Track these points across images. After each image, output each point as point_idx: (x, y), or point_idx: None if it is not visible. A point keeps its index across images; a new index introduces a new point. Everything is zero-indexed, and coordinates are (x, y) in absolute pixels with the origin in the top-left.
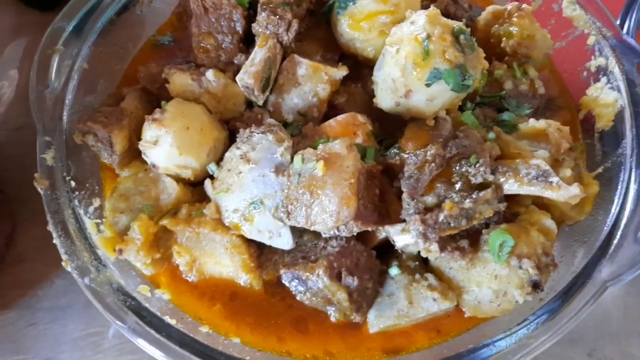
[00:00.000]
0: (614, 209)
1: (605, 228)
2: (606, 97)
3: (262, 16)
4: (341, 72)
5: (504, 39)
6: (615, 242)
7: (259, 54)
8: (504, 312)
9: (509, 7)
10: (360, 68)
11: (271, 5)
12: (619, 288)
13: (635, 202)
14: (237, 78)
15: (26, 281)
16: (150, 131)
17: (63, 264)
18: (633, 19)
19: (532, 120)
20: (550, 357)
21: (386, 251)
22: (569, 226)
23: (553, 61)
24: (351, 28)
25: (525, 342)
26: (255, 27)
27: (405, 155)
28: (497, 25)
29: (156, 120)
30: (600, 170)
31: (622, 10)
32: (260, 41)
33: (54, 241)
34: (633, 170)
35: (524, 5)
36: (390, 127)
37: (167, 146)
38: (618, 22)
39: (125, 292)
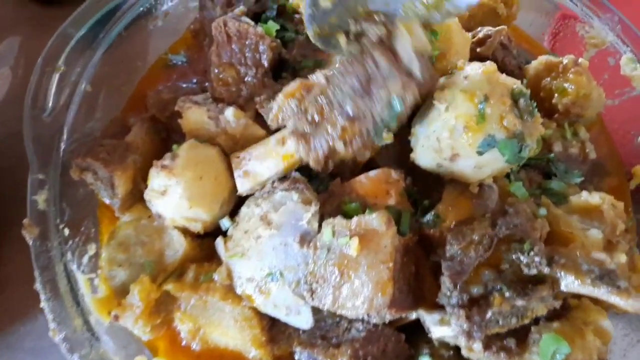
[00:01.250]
0: None
1: None
2: None
3: None
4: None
5: (556, 95)
6: None
7: None
8: None
9: (565, 60)
10: None
11: None
12: None
13: None
14: None
15: (7, 314)
16: (158, 179)
17: (50, 333)
18: None
19: (584, 194)
20: None
21: (415, 331)
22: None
23: (603, 120)
24: None
25: None
26: None
27: (448, 234)
28: (549, 79)
29: (166, 167)
30: None
31: None
32: None
33: (42, 305)
34: None
35: (580, 60)
36: (425, 183)
37: (177, 198)
38: None
39: None
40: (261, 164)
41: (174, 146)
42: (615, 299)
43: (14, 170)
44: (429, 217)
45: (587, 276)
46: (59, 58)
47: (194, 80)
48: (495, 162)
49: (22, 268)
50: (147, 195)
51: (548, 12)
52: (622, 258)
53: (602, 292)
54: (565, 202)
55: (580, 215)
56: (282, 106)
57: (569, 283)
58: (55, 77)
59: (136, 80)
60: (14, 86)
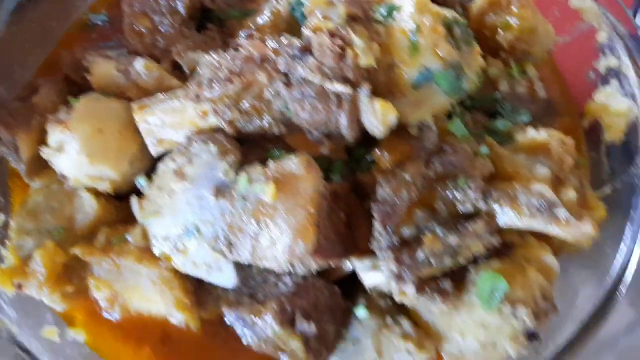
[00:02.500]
0: (625, 241)
1: (615, 263)
2: (617, 105)
3: None
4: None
5: (500, 31)
6: (628, 283)
7: None
8: None
9: None
10: None
11: None
12: None
13: None
14: None
15: None
16: (53, 135)
17: None
18: None
19: (531, 131)
20: None
21: (352, 283)
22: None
23: (554, 59)
24: None
25: None
26: None
27: (379, 176)
28: (492, 15)
29: (59, 121)
30: (607, 190)
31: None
32: None
33: None
34: None
35: None
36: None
37: (74, 154)
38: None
39: (19, 344)
40: (177, 132)
41: (70, 98)
42: (553, 229)
43: None
44: (364, 162)
45: (525, 208)
46: None
47: (114, 41)
48: (433, 97)
49: None
50: (45, 153)
51: None
52: (571, 194)
53: (540, 224)
54: (511, 142)
55: (527, 154)
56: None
57: (506, 217)
58: None
59: (51, 43)
60: None
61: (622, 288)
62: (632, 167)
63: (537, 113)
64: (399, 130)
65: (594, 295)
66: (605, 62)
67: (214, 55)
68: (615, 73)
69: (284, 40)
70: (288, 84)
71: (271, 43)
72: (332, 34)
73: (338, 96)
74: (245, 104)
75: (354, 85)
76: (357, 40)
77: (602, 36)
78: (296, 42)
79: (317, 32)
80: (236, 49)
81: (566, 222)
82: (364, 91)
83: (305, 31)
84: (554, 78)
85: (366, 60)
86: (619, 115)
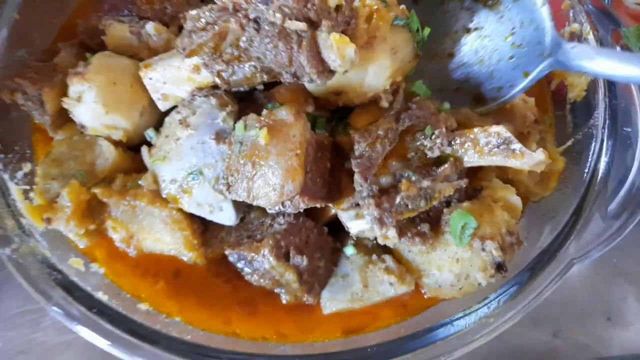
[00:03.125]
0: (583, 184)
1: (573, 203)
2: None
3: None
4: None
5: None
6: (583, 217)
7: None
8: (466, 294)
9: None
10: None
11: None
12: (586, 268)
13: (604, 176)
14: None
15: None
16: (73, 86)
17: None
18: None
19: None
20: (514, 337)
21: (341, 227)
22: (537, 202)
23: None
24: None
25: (485, 322)
26: None
27: (355, 134)
28: None
29: (78, 74)
30: (570, 142)
31: None
32: None
33: None
34: (604, 142)
35: None
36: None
37: (91, 102)
38: None
39: (52, 265)
40: (178, 88)
41: (88, 55)
42: (511, 162)
43: None
44: (341, 126)
45: (486, 147)
46: None
47: (125, 12)
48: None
49: None
50: (66, 103)
51: None
52: (533, 146)
53: (499, 159)
54: None
55: (494, 117)
56: (197, 51)
57: (469, 157)
58: None
59: (67, 12)
60: None
61: (580, 221)
62: (591, 119)
63: None
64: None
65: (556, 229)
66: (569, 28)
67: (194, 10)
68: (578, 37)
69: None
70: (258, 29)
71: None
72: None
73: (299, 35)
74: (227, 54)
75: (315, 24)
76: None
77: (566, 3)
78: None
79: None
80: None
81: (521, 154)
82: (322, 28)
83: None
84: None
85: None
86: (580, 75)
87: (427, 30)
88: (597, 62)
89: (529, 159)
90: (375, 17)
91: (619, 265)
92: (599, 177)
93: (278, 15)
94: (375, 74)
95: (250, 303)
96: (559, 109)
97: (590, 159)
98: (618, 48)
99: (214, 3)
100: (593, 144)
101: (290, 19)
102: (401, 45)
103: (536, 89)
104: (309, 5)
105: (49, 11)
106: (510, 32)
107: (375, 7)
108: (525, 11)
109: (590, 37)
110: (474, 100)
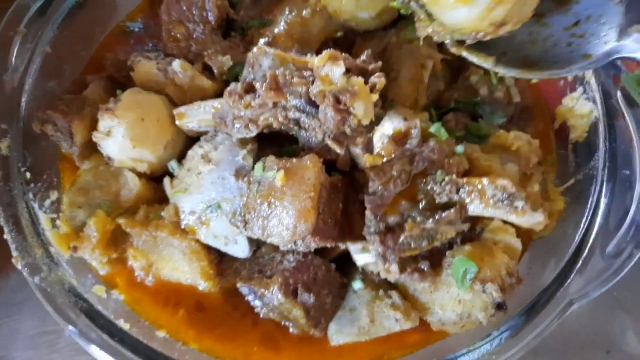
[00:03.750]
0: (584, 223)
1: (574, 242)
2: (581, 108)
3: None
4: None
5: None
6: (583, 257)
7: None
8: (469, 331)
9: None
10: None
11: None
12: (587, 302)
13: (604, 216)
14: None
15: None
16: (103, 122)
17: (13, 261)
18: None
19: (502, 133)
20: None
21: (350, 262)
22: (539, 239)
23: None
24: None
25: (488, 359)
26: None
27: (371, 172)
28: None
29: (109, 110)
30: (572, 182)
31: None
32: None
33: (5, 236)
34: (604, 184)
35: None
36: None
37: (120, 138)
38: None
39: (78, 294)
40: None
41: (118, 91)
42: (512, 218)
43: None
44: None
45: (491, 200)
46: (20, 23)
47: (150, 45)
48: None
49: None
50: (95, 137)
51: None
52: (536, 188)
53: (501, 213)
54: (488, 141)
55: (500, 152)
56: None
57: (475, 207)
58: (18, 40)
59: (95, 46)
60: None
61: (579, 261)
62: (592, 161)
63: (513, 116)
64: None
65: (557, 267)
66: None
67: (235, 106)
68: (580, 81)
69: (296, 90)
70: (299, 127)
71: (286, 90)
72: (337, 100)
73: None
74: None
75: (351, 140)
76: (359, 107)
77: None
78: (304, 92)
79: (322, 97)
80: (254, 95)
81: (522, 212)
82: (357, 148)
83: (312, 93)
84: (529, 86)
85: (367, 120)
86: (582, 117)
87: None
88: None
89: (530, 218)
90: None
91: (619, 299)
92: (599, 218)
93: (320, 134)
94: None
95: (271, 338)
96: (562, 148)
97: (591, 200)
98: (619, 93)
99: (231, 36)
100: (594, 186)
101: (330, 139)
102: None
103: (541, 128)
104: (345, 126)
105: (78, 44)
106: (573, 24)
107: None
108: (597, 7)
109: (593, 81)
110: (522, 64)
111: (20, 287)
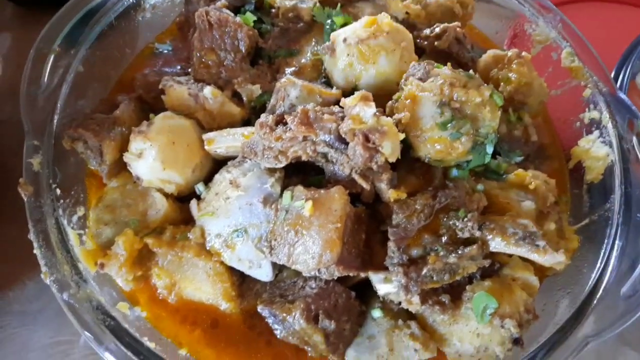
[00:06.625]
0: (599, 264)
1: (589, 282)
2: (598, 151)
3: None
4: (337, 94)
5: (502, 83)
6: (597, 297)
7: None
8: None
9: (510, 53)
10: None
11: None
12: None
13: (619, 259)
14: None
15: None
16: (135, 143)
17: (42, 276)
18: (627, 75)
19: (520, 171)
20: None
21: (368, 290)
22: (553, 275)
23: (547, 109)
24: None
25: None
26: None
27: (394, 205)
28: (496, 70)
29: (142, 132)
30: (586, 222)
31: (616, 65)
32: None
33: (35, 251)
34: (619, 226)
35: (523, 53)
36: None
37: (151, 160)
38: (612, 75)
39: (105, 312)
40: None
41: (151, 115)
42: (534, 256)
43: (3, 154)
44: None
45: (512, 237)
46: (54, 42)
47: (178, 67)
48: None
49: (12, 242)
50: (127, 158)
51: (508, 18)
52: (552, 226)
53: (523, 251)
54: (505, 179)
55: (517, 190)
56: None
57: (496, 244)
58: (50, 58)
59: (125, 66)
60: (5, 79)
61: (594, 300)
62: (607, 203)
63: (530, 154)
64: (410, 167)
65: (572, 306)
66: (589, 115)
67: (265, 137)
68: (597, 124)
69: (326, 126)
70: (327, 161)
71: (316, 126)
72: (366, 138)
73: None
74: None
75: (377, 176)
76: (387, 146)
77: (587, 92)
78: (334, 128)
79: (352, 135)
80: (284, 128)
81: (544, 251)
82: (382, 183)
83: (342, 130)
84: (545, 125)
85: (393, 158)
86: (598, 159)
87: None
88: None
89: (551, 258)
90: None
91: (624, 334)
92: (612, 259)
93: (347, 169)
94: None
95: (284, 358)
96: (576, 187)
97: (605, 242)
98: (634, 137)
99: (259, 64)
100: (609, 228)
101: (357, 174)
102: None
103: (555, 167)
104: (373, 163)
105: (108, 64)
106: None
107: None
108: None
109: (609, 125)
110: None
111: (35, 297)
